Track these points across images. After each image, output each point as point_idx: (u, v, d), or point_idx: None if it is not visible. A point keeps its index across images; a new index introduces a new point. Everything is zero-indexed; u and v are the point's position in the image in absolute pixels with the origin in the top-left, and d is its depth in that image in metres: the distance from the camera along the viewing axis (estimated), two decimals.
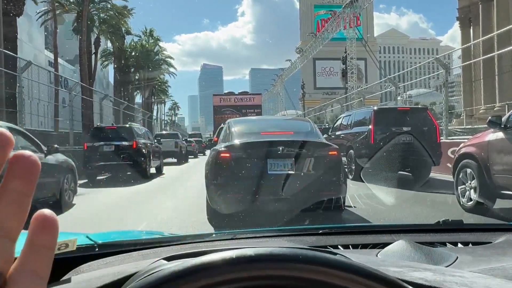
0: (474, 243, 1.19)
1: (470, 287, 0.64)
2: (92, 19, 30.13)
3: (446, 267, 0.91)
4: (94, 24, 30.67)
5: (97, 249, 1.03)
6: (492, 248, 1.13)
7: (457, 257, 0.98)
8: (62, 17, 31.35)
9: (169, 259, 0.64)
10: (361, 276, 0.42)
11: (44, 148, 6.96)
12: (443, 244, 1.18)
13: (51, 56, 30.33)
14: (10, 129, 6.15)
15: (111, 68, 43.10)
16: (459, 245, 1.19)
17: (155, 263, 0.61)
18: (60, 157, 7.60)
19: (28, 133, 7.18)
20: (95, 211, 7.17)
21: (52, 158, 7.13)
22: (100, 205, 7.91)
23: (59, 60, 29.78)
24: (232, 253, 0.41)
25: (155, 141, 16.96)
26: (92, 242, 1.06)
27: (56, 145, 7.68)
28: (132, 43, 43.36)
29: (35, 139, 7.05)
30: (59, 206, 6.88)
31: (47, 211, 0.36)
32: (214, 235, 1.32)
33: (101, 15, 31.57)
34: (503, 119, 5.48)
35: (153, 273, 0.45)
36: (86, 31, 28.31)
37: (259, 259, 0.41)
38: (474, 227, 1.40)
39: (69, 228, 5.45)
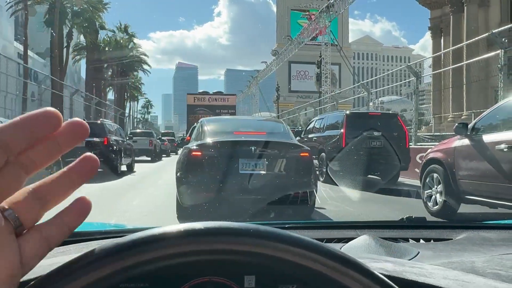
0: (436, 239, 1.22)
1: (428, 277, 0.65)
2: (65, 12, 29.41)
3: (408, 260, 0.92)
4: (66, 17, 29.95)
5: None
6: (453, 244, 1.16)
7: (419, 252, 1.00)
8: (34, 8, 30.49)
9: None
10: (311, 251, 0.42)
11: None
12: (406, 240, 1.21)
13: (21, 48, 29.42)
14: None
15: (83, 63, 42.20)
16: (421, 241, 1.21)
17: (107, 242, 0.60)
18: None
19: None
20: (62, 207, 6.99)
21: None
22: (67, 201, 7.70)
23: (29, 52, 28.96)
24: (181, 226, 0.41)
25: (127, 138, 16.72)
26: None
27: None
28: (106, 38, 42.59)
29: None
30: None
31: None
32: None
33: (75, 8, 30.86)
34: (469, 126, 5.65)
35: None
36: (58, 23, 27.64)
37: (208, 233, 0.41)
38: (436, 224, 1.43)
39: None
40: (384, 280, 0.43)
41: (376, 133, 10.10)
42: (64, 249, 0.93)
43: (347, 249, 1.02)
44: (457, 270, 0.77)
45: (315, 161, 10.91)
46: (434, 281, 0.63)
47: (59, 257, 0.83)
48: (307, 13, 50.11)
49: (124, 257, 0.39)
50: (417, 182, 7.45)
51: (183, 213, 5.45)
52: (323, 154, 10.88)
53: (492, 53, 10.80)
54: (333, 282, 0.43)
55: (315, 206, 5.86)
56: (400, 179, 10.57)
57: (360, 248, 1.01)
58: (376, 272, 0.43)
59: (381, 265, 0.69)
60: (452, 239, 1.21)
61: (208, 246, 0.40)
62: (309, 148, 6.06)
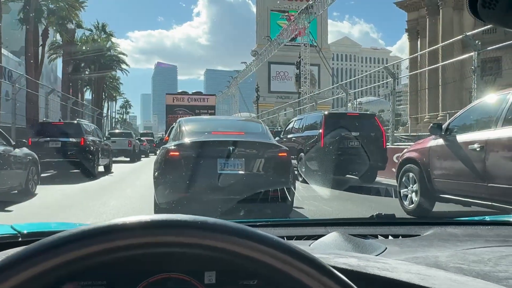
0: (404, 236, 1.24)
1: (390, 272, 0.66)
2: (40, 10, 28.80)
3: (375, 256, 0.93)
4: (42, 15, 29.32)
5: (20, 239, 0.98)
6: (420, 240, 1.18)
7: (386, 248, 1.02)
8: (8, 5, 29.74)
9: None
10: (260, 243, 0.42)
11: (13, 142, 7.87)
12: (375, 236, 1.22)
13: None
14: None
15: (59, 62, 41.39)
16: (390, 237, 1.23)
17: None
18: (26, 150, 8.34)
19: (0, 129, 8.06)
20: (37, 209, 6.86)
21: (19, 151, 7.93)
22: (41, 203, 7.56)
23: (3, 51, 28.20)
24: (126, 219, 0.40)
25: (105, 138, 16.50)
26: (15, 232, 1.01)
27: (24, 140, 8.91)
28: (83, 37, 41.89)
29: (5, 134, 7.94)
30: (26, 194, 7.77)
31: None
32: None
33: (50, 5, 30.24)
34: (443, 126, 5.76)
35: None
36: (33, 21, 27.04)
37: (157, 225, 0.40)
38: (405, 221, 1.46)
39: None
40: (336, 275, 0.43)
41: (354, 133, 10.21)
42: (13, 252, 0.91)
43: (316, 245, 1.02)
44: (421, 265, 0.79)
45: (294, 161, 10.97)
46: (396, 275, 0.64)
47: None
48: (286, 14, 50.27)
49: (58, 252, 0.38)
50: (394, 182, 7.57)
51: (160, 212, 5.38)
52: (302, 154, 10.94)
53: (466, 55, 11.04)
54: (291, 278, 0.43)
55: (294, 205, 5.90)
56: (378, 178, 10.71)
57: (329, 244, 1.02)
58: (328, 266, 0.44)
59: (346, 260, 0.70)
60: (420, 235, 1.23)
61: (152, 239, 0.39)
62: (287, 148, 6.07)
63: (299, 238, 1.15)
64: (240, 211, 4.95)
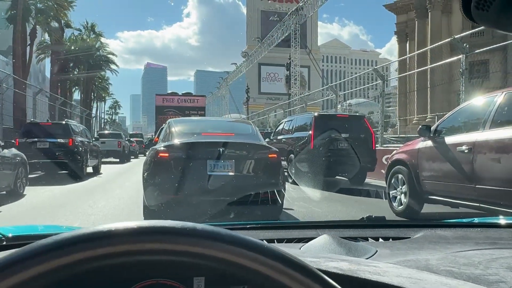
0: (394, 238, 1.24)
1: (382, 276, 0.66)
2: (28, 9, 28.49)
3: (366, 259, 0.93)
4: (30, 14, 29.01)
5: (4, 242, 0.95)
6: (410, 242, 1.18)
7: (377, 251, 1.01)
8: None
9: None
10: (249, 249, 0.41)
11: (1, 143, 7.95)
12: (365, 239, 1.22)
13: None
14: None
15: (48, 62, 40.98)
16: (380, 240, 1.23)
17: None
18: (14, 151, 8.36)
19: None
20: (23, 211, 6.77)
21: (8, 152, 7.96)
22: (30, 204, 7.47)
23: None
24: (114, 225, 0.39)
25: (94, 139, 16.37)
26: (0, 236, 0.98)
27: (12, 141, 9.08)
28: (72, 37, 41.53)
29: None
30: (14, 195, 7.80)
31: None
32: None
33: (39, 5, 29.93)
34: (432, 128, 5.81)
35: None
36: (21, 20, 26.73)
37: (142, 232, 0.39)
38: (395, 224, 1.46)
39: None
40: (328, 282, 0.43)
41: (343, 135, 10.25)
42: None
43: (307, 248, 1.02)
44: (411, 268, 0.78)
45: (284, 163, 10.97)
46: (387, 279, 0.64)
47: None
48: (276, 15, 50.39)
49: (40, 260, 0.37)
50: (383, 183, 7.60)
51: (149, 216, 5.35)
52: (291, 155, 10.95)
53: (454, 58, 11.15)
54: (282, 285, 0.42)
55: (284, 207, 5.90)
56: (367, 180, 10.77)
57: (319, 247, 1.01)
58: (320, 274, 0.43)
59: (337, 264, 0.69)
60: (410, 237, 1.23)
61: (139, 247, 0.38)
62: (277, 150, 6.07)
63: (289, 241, 1.15)
64: (230, 213, 4.93)
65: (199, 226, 0.41)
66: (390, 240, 1.22)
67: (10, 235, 1.00)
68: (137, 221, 0.40)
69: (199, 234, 0.40)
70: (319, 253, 0.93)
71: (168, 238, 0.39)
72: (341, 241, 1.05)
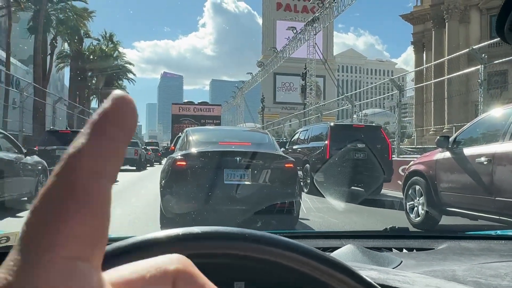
0: (418, 249, 1.24)
1: (411, 285, 0.67)
2: (49, 19, 29.15)
3: (392, 269, 0.94)
4: (51, 25, 29.67)
5: None
6: (435, 253, 1.18)
7: (402, 261, 1.02)
8: (17, 15, 30.16)
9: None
10: (307, 256, 0.43)
11: (24, 150, 7.98)
12: (389, 249, 1.23)
13: (4, 54, 29.03)
14: None
15: (67, 71, 41.76)
16: (404, 250, 1.24)
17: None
18: (36, 158, 8.51)
19: (11, 137, 8.22)
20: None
21: (30, 159, 8.08)
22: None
23: (12, 59, 28.56)
24: (178, 230, 0.41)
25: None
26: None
27: (35, 148, 9.20)
28: (91, 47, 42.27)
29: (17, 142, 8.22)
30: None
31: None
32: None
33: (59, 15, 30.61)
34: (450, 139, 5.76)
35: None
36: (42, 31, 27.36)
37: (206, 237, 0.42)
38: (419, 235, 1.46)
39: None
40: (372, 284, 0.45)
41: (359, 145, 10.19)
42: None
43: None
44: (439, 278, 0.80)
45: (300, 172, 10.96)
46: None
47: None
48: (292, 25, 50.65)
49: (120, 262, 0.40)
50: (399, 194, 7.54)
51: (166, 224, 5.39)
52: (307, 165, 10.93)
53: (473, 68, 11.05)
54: (323, 285, 0.45)
55: (300, 217, 5.89)
56: (383, 190, 10.67)
57: (345, 257, 1.03)
58: (365, 276, 0.45)
59: (366, 272, 0.71)
60: (434, 248, 1.24)
61: (208, 250, 0.40)
62: (293, 159, 6.07)
63: None
64: (249, 223, 4.93)
65: (257, 232, 0.44)
66: (414, 251, 1.23)
67: None
68: (198, 227, 0.43)
69: (259, 239, 0.42)
70: (346, 262, 0.95)
71: (231, 243, 0.41)
72: (366, 251, 1.06)
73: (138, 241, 0.41)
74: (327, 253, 1.06)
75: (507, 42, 0.52)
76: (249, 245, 0.42)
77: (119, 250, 0.41)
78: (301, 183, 10.80)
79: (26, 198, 7.87)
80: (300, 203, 5.63)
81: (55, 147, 11.89)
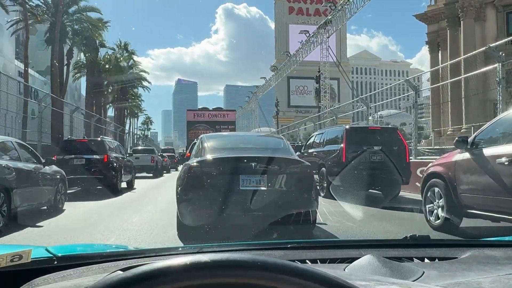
0: (441, 258, 1.20)
1: None
2: (65, 30, 29.67)
3: (413, 281, 0.91)
4: (67, 35, 30.19)
5: (56, 262, 0.98)
6: (458, 263, 1.14)
7: (424, 272, 0.99)
8: (35, 27, 30.76)
9: (125, 270, 0.61)
10: (319, 282, 0.41)
11: (43, 160, 8.11)
12: (410, 259, 1.19)
13: (22, 66, 29.62)
14: (16, 143, 7.60)
15: (83, 80, 42.41)
16: (426, 260, 1.20)
17: (111, 275, 0.58)
18: (54, 168, 8.66)
19: (30, 147, 8.37)
20: (62, 226, 6.96)
21: (48, 169, 8.22)
22: (68, 219, 7.68)
23: (30, 70, 29.11)
24: (186, 259, 0.39)
25: (127, 155, 16.75)
26: (50, 255, 1.01)
27: (53, 158, 9.41)
28: (106, 56, 42.87)
29: (36, 152, 8.39)
30: (54, 210, 8.05)
31: None
32: (180, 248, 1.28)
33: (75, 26, 31.13)
34: (469, 140, 5.64)
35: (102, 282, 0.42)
36: (58, 42, 27.85)
37: (217, 266, 0.40)
38: (441, 243, 1.41)
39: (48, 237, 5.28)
40: None
41: (376, 148, 10.08)
42: (65, 274, 0.91)
43: (352, 269, 1.00)
44: None
45: (316, 176, 10.88)
46: None
47: (60, 282, 0.82)
48: (305, 29, 50.57)
49: None
50: (418, 196, 7.42)
51: (183, 231, 5.40)
52: (323, 169, 10.85)
53: (490, 67, 10.85)
54: None
55: (317, 222, 5.83)
56: (401, 193, 10.53)
57: (364, 268, 0.99)
58: None
59: (387, 287, 0.68)
60: (457, 257, 1.20)
61: (216, 280, 0.38)
62: (309, 164, 6.02)
63: (332, 261, 1.13)
64: (265, 229, 4.90)
65: (270, 259, 0.41)
66: (436, 260, 1.19)
67: (60, 255, 1.03)
68: (209, 254, 0.41)
69: (272, 268, 0.40)
70: (365, 274, 0.91)
71: (243, 272, 0.39)
72: (386, 261, 1.03)
73: (142, 272, 0.39)
74: (342, 265, 1.03)
75: None
76: (262, 274, 0.40)
77: (123, 281, 0.39)
78: (317, 187, 10.74)
79: (45, 208, 7.98)
80: (317, 208, 5.58)
81: (73, 156, 12.05)
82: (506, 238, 1.49)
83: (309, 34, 43.46)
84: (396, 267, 1.00)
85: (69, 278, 0.84)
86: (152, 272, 0.39)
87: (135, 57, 48.43)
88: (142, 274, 0.39)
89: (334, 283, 0.42)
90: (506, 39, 13.09)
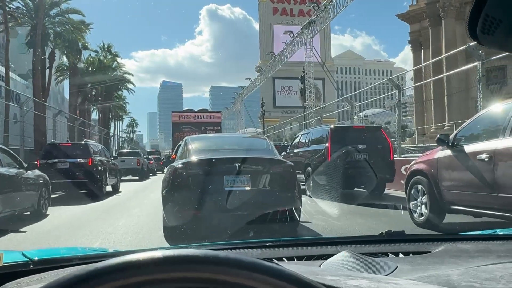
0: (415, 253, 1.22)
1: None
2: (47, 33, 29.27)
3: (386, 275, 0.93)
4: (49, 38, 29.79)
5: (31, 266, 0.98)
6: (431, 257, 1.16)
7: (397, 266, 1.01)
8: (15, 30, 30.27)
9: None
10: (271, 275, 0.42)
11: (25, 165, 8.06)
12: (385, 254, 1.21)
13: (3, 70, 29.16)
14: None
15: (66, 83, 41.91)
16: (400, 255, 1.22)
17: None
18: (37, 172, 8.59)
19: (12, 152, 8.35)
20: (45, 231, 6.86)
21: (31, 173, 8.17)
22: (52, 224, 7.58)
23: (11, 74, 28.64)
24: (141, 255, 0.40)
25: (112, 158, 16.61)
26: (26, 259, 1.00)
27: (35, 162, 9.34)
28: (90, 59, 42.43)
29: (18, 157, 8.31)
30: (38, 215, 7.96)
31: None
32: (158, 249, 1.28)
33: (57, 29, 30.73)
34: (451, 137, 5.73)
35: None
36: (40, 45, 27.47)
37: (168, 261, 0.40)
38: (415, 238, 1.44)
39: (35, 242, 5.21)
40: None
41: (361, 146, 10.16)
42: (39, 277, 0.91)
43: (326, 266, 1.02)
44: (432, 284, 0.78)
45: (302, 176, 10.93)
46: None
47: (33, 286, 0.81)
48: (289, 29, 50.69)
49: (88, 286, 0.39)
50: (402, 194, 7.50)
51: (169, 233, 5.41)
52: (309, 168, 10.90)
53: (471, 65, 11.02)
54: None
55: (302, 220, 5.88)
56: (386, 191, 10.63)
57: (339, 264, 1.01)
58: None
59: (357, 282, 0.69)
60: (430, 252, 1.22)
61: (165, 276, 0.39)
62: (292, 163, 6.10)
63: (309, 258, 1.15)
64: (247, 227, 4.93)
65: (222, 254, 0.42)
66: (411, 255, 1.21)
67: (36, 258, 1.03)
68: (162, 250, 0.42)
69: (224, 262, 0.41)
70: (339, 270, 0.93)
71: (194, 267, 0.40)
72: (361, 257, 1.04)
73: (103, 267, 0.40)
74: (318, 261, 1.05)
75: (482, 44, 0.51)
76: (214, 268, 0.41)
77: (76, 279, 0.40)
78: (303, 187, 10.79)
79: (28, 213, 7.87)
80: (301, 206, 5.65)
81: (57, 160, 11.90)
82: (479, 232, 1.53)
83: (293, 35, 43.59)
84: (370, 262, 1.02)
85: (43, 281, 0.84)
86: (104, 268, 0.40)
87: (119, 59, 48.06)
88: (102, 269, 0.40)
89: (285, 275, 0.43)
90: None
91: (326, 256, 1.12)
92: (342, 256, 1.05)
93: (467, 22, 0.48)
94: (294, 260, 1.17)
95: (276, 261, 1.00)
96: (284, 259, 1.16)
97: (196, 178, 5.38)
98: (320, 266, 1.03)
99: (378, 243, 1.34)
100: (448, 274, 0.88)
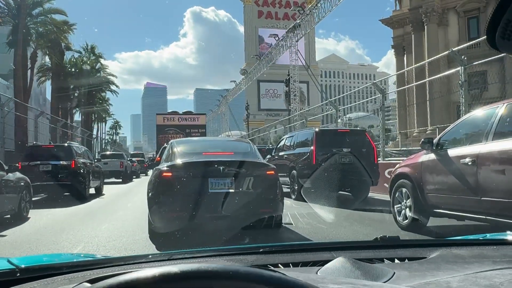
0: (410, 259, 1.22)
1: None
2: (29, 33, 28.77)
3: (384, 282, 0.92)
4: (31, 38, 29.28)
5: (18, 274, 0.94)
6: (427, 263, 1.16)
7: (394, 273, 1.00)
8: None
9: (92, 281, 0.59)
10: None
11: (5, 167, 7.93)
12: (381, 260, 1.21)
13: None
14: None
15: (48, 84, 41.26)
16: (396, 260, 1.22)
17: (78, 287, 0.56)
18: (18, 175, 8.43)
19: None
20: (27, 235, 6.72)
21: (12, 176, 8.02)
22: (33, 228, 7.42)
23: None
24: (156, 271, 0.38)
25: (96, 160, 16.40)
26: (13, 267, 0.97)
27: (16, 164, 9.16)
28: (72, 59, 41.86)
29: None
30: (18, 218, 7.82)
31: None
32: (150, 256, 1.26)
33: (39, 29, 30.23)
34: (434, 141, 5.80)
35: None
36: (22, 45, 26.98)
37: (187, 276, 0.39)
38: (410, 243, 1.44)
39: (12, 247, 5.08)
40: None
41: (345, 150, 10.23)
42: (28, 286, 0.87)
43: (324, 272, 1.01)
44: None
45: (287, 179, 10.94)
46: None
47: None
48: (274, 33, 50.90)
49: None
50: (387, 197, 7.56)
51: (154, 235, 5.41)
52: (294, 171, 10.92)
53: (453, 70, 11.19)
54: None
55: (288, 224, 5.91)
56: (370, 194, 10.71)
57: (336, 271, 1.00)
58: None
59: None
60: (426, 257, 1.22)
61: None
62: (274, 166, 6.16)
63: (304, 264, 1.14)
64: (232, 231, 4.96)
65: (242, 268, 0.41)
66: (406, 260, 1.21)
67: (23, 266, 0.99)
68: (179, 265, 0.40)
69: (244, 277, 0.39)
70: (337, 277, 0.92)
71: (210, 283, 0.38)
72: (357, 263, 1.03)
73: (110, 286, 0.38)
74: (314, 268, 1.04)
75: (498, 50, 0.50)
76: (234, 283, 0.39)
77: None
78: (289, 190, 10.80)
79: (9, 216, 7.71)
80: (283, 208, 5.74)
81: (39, 162, 11.70)
82: (471, 237, 1.54)
83: (278, 38, 43.73)
84: (367, 269, 1.01)
85: None
86: (119, 285, 0.38)
87: (102, 61, 47.53)
88: None
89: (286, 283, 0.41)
90: (468, 43, 13.54)
91: (322, 262, 1.11)
92: (339, 262, 1.04)
93: (486, 27, 0.47)
94: (290, 266, 1.15)
95: (272, 268, 0.99)
96: (280, 265, 1.15)
97: (182, 180, 5.42)
98: (317, 273, 1.01)
99: (373, 248, 1.33)
100: (448, 281, 0.88)
